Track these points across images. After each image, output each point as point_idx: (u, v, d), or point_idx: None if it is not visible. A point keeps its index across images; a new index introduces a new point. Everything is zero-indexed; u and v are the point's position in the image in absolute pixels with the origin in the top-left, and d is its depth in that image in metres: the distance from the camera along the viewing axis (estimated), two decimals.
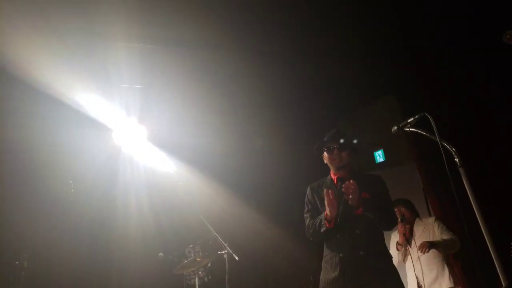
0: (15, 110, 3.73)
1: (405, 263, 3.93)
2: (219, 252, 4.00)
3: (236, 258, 3.92)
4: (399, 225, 3.90)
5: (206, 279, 4.14)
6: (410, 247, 3.86)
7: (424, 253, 3.63)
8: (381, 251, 2.61)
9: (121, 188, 4.90)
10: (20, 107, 3.69)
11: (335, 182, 2.75)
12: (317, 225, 2.60)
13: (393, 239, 4.06)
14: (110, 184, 4.75)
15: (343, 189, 2.44)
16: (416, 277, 3.78)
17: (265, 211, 5.50)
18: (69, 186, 3.90)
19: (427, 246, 3.60)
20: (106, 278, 4.98)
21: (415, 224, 3.95)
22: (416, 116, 2.23)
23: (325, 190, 2.53)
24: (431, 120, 2.09)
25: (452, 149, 2.03)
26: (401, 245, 3.89)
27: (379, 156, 5.07)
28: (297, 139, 5.28)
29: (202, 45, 3.56)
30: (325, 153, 2.78)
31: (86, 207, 4.37)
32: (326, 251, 2.68)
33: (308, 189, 2.85)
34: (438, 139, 2.06)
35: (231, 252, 3.92)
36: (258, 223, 5.37)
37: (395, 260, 3.92)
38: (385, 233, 4.20)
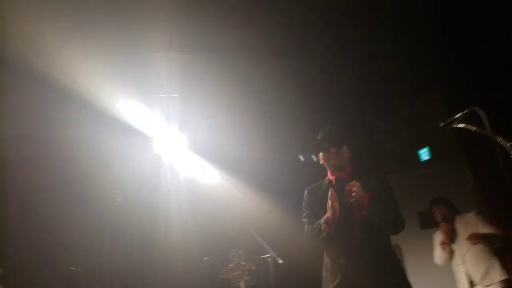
0: (60, 119, 3.94)
1: (451, 262, 3.83)
2: (263, 256, 4.01)
3: (280, 261, 3.92)
4: (441, 224, 3.85)
5: (251, 282, 4.15)
6: (455, 244, 3.77)
7: (475, 244, 3.57)
8: (386, 256, 2.36)
9: (163, 196, 5.04)
10: (65, 115, 3.90)
11: (333, 183, 2.52)
12: (316, 230, 2.39)
13: (436, 239, 3.98)
14: (152, 192, 4.90)
15: (345, 190, 2.23)
16: (466, 275, 3.66)
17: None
18: (116, 194, 4.07)
19: (479, 237, 3.54)
20: (152, 283, 5.13)
21: (456, 222, 3.87)
22: (465, 111, 2.11)
23: (330, 191, 2.31)
24: (481, 115, 1.98)
25: (508, 145, 1.92)
26: (446, 243, 3.79)
27: (425, 154, 4.91)
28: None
29: (241, 52, 3.60)
30: (320, 153, 2.55)
31: (131, 215, 4.53)
32: (326, 259, 2.49)
33: (306, 192, 2.65)
34: (490, 135, 1.96)
35: (275, 255, 3.92)
36: (298, 232, 5.34)
37: (441, 259, 3.85)
38: (427, 233, 4.11)
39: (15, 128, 3.67)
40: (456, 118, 2.16)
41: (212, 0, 3.18)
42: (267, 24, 3.35)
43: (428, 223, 4.36)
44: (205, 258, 4.64)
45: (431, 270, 4.37)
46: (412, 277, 4.51)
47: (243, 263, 4.05)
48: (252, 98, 4.35)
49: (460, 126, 2.16)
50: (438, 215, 3.92)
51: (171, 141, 4.59)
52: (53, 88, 3.21)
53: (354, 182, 2.23)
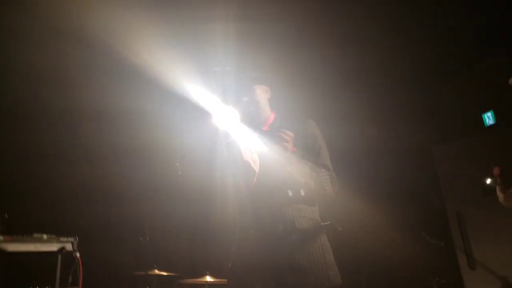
0: (125, 92, 4.11)
1: None
2: (322, 224, 4.02)
3: (339, 228, 3.93)
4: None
5: None
6: None
7: None
8: (310, 226, 1.86)
9: (219, 169, 5.15)
10: (128, 89, 4.06)
11: None
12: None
13: None
14: (210, 165, 5.02)
15: (276, 136, 1.78)
16: None
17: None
18: (177, 168, 4.21)
19: None
20: (207, 256, 5.33)
21: None
22: None
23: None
24: None
25: None
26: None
27: (489, 119, 4.66)
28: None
29: (297, 22, 3.53)
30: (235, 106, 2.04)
31: (191, 188, 4.69)
32: (239, 229, 2.02)
33: (225, 146, 2.17)
34: None
35: (334, 222, 3.94)
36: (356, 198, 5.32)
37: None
38: (491, 200, 3.92)
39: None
40: None
41: None
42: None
43: (492, 190, 4.16)
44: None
45: (497, 240, 4.22)
46: (476, 248, 4.42)
47: None
48: (306, 70, 4.30)
49: None
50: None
51: (226, 114, 4.64)
52: (120, 62, 3.34)
53: (288, 132, 1.79)
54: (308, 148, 1.97)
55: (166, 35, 3.27)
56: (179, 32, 3.39)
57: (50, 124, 4.16)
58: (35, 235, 3.34)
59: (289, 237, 1.78)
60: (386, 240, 5.19)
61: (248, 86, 2.07)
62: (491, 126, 4.64)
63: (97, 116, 4.16)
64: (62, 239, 3.49)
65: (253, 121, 2.05)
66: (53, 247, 3.45)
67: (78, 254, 3.52)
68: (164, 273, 4.17)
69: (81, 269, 3.43)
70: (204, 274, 4.02)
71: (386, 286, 4.56)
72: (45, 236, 3.44)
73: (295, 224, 1.81)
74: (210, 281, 3.98)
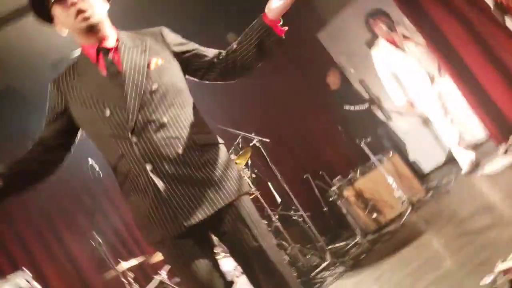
0: None
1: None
2: (251, 144, 4.13)
3: (267, 140, 4.06)
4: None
5: (254, 175, 4.31)
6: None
7: None
8: (210, 140, 1.61)
9: None
10: None
11: (93, 57, 1.56)
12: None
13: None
14: None
15: None
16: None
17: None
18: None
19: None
20: None
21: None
22: None
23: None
24: None
25: None
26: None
27: None
28: None
29: None
30: (54, 8, 1.50)
31: None
32: (119, 174, 1.56)
33: (50, 87, 1.62)
34: None
35: (259, 137, 4.05)
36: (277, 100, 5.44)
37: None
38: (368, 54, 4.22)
39: None
40: None
41: None
42: None
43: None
44: None
45: None
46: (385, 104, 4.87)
47: (238, 161, 4.18)
48: None
49: None
50: (381, 27, 3.94)
51: None
52: None
53: None
54: (186, 44, 1.70)
55: None
56: None
57: None
58: None
59: (189, 155, 1.52)
60: (313, 128, 5.54)
61: None
62: None
63: None
64: (8, 276, 3.24)
65: (87, 33, 1.54)
66: None
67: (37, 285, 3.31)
68: (133, 262, 4.10)
69: None
70: None
71: (328, 169, 4.87)
72: None
73: (195, 141, 1.55)
74: None
